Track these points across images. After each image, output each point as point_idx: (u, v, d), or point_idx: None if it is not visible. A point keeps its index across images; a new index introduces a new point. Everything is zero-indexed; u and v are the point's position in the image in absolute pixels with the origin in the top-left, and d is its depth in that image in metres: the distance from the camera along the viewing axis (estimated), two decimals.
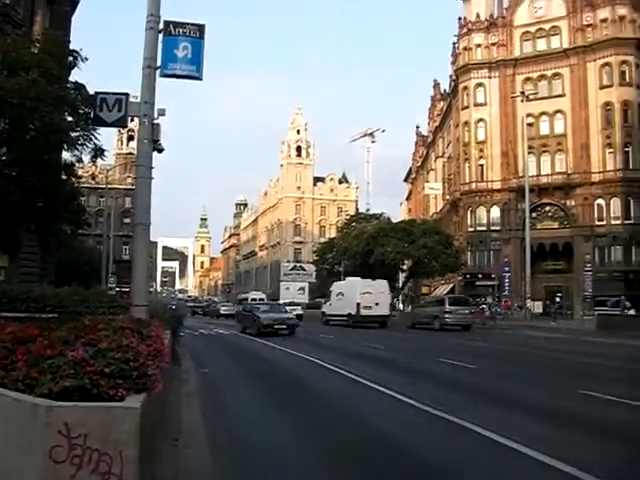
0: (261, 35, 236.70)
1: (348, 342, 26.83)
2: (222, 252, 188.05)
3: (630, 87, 59.11)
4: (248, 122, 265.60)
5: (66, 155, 19.34)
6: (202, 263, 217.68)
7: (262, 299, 66.21)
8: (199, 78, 11.34)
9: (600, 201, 58.97)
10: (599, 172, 59.15)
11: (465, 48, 66.64)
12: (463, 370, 15.54)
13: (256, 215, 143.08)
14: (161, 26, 11.03)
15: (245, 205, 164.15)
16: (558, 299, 57.76)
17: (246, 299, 69.98)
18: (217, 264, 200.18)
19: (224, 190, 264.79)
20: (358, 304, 40.04)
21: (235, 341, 28.11)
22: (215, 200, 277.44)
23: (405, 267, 64.55)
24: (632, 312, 42.61)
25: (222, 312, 63.81)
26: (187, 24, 11.16)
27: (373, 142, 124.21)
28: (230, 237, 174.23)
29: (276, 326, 30.68)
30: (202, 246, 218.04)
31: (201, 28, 11.22)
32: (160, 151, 11.26)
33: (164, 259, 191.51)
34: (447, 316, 36.14)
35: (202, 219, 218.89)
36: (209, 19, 11.78)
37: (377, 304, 40.34)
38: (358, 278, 44.85)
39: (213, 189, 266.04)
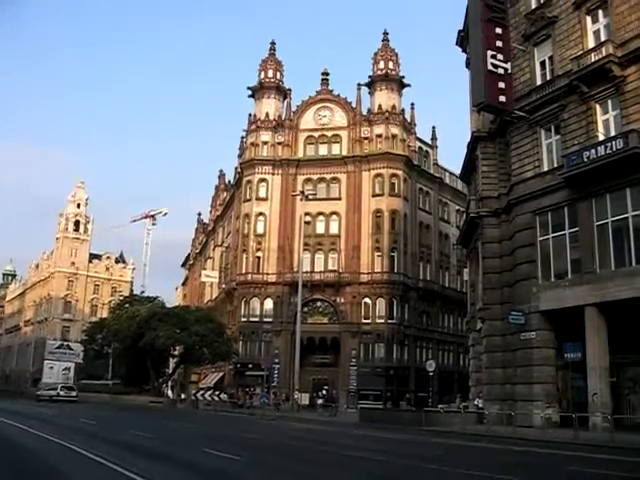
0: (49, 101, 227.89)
1: None
2: None
3: (398, 198, 64.10)
4: (26, 188, 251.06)
5: None
6: None
7: None
8: None
9: (367, 300, 61.80)
10: (368, 273, 62.23)
11: (252, 143, 68.47)
12: None
13: (24, 287, 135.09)
14: None
15: (14, 276, 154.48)
16: (325, 392, 59.78)
17: None
18: None
19: None
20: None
21: None
22: None
23: (176, 353, 63.82)
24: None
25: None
26: None
27: (154, 224, 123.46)
28: None
29: None
30: None
31: None
32: None
33: None
34: (62, 393, 55.62)
35: None
36: None
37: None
38: None
39: None
